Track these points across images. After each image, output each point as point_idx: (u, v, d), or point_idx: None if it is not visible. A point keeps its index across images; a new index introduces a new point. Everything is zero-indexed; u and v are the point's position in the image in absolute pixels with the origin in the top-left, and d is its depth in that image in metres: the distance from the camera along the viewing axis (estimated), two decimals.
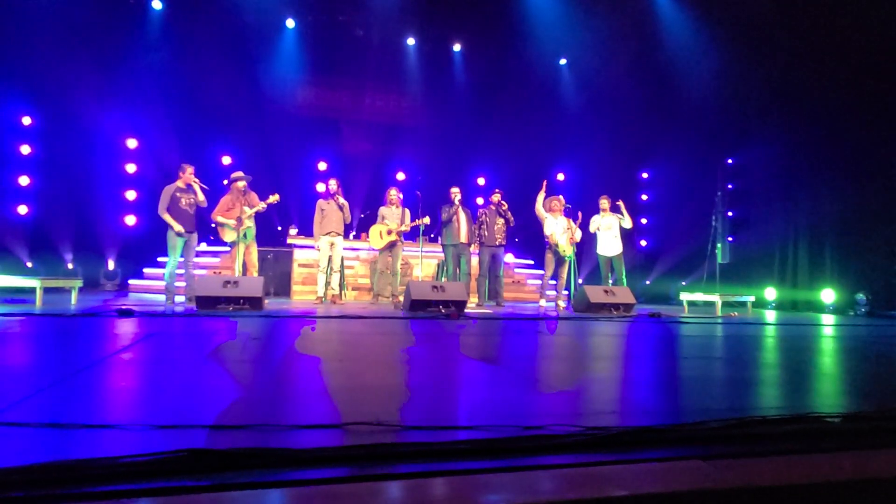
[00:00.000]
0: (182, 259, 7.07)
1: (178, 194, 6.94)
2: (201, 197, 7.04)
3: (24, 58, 9.44)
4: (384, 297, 8.55)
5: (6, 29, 9.24)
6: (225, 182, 7.58)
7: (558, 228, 8.12)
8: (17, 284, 6.14)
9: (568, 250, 8.14)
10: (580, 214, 8.23)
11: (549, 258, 8.23)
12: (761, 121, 10.51)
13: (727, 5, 9.58)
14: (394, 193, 8.25)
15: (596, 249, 8.68)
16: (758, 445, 1.50)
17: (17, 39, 9.30)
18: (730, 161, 11.68)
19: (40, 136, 10.24)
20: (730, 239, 11.53)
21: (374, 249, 8.41)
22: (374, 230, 8.13)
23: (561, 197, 8.40)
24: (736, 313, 8.09)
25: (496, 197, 8.39)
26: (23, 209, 10.07)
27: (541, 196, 8.31)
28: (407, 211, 8.20)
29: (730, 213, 11.60)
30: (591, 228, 8.57)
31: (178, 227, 6.82)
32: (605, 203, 8.56)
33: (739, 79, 10.46)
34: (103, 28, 9.85)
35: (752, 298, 8.72)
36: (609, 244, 8.46)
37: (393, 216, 8.11)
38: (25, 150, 10.14)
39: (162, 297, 7.48)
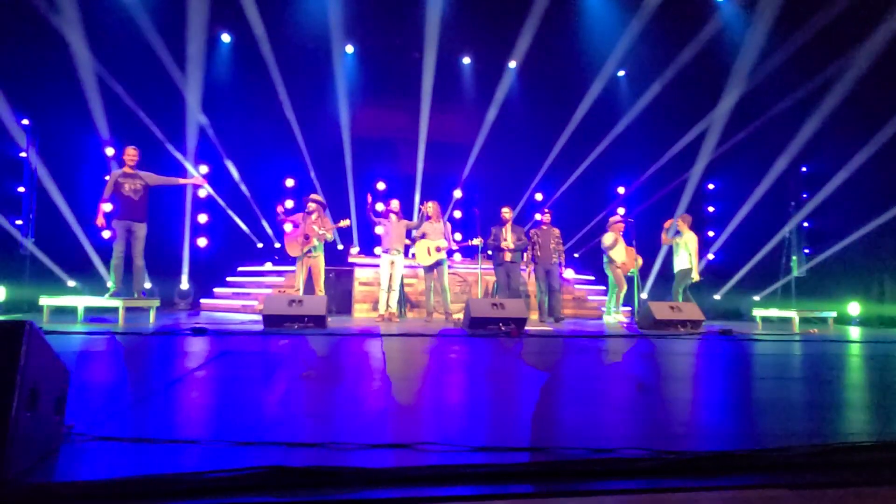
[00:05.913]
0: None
1: (120, 180, 6.69)
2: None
3: (107, 88, 10.10)
4: (438, 314, 8.39)
5: (92, 67, 9.96)
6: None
7: (623, 248, 8.26)
8: (102, 304, 6.56)
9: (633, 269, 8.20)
10: (634, 242, 8.42)
11: (619, 275, 8.19)
12: (838, 124, 9.94)
13: (799, 4, 9.19)
14: (430, 206, 8.24)
15: (673, 265, 8.57)
16: (847, 474, 1.40)
17: (104, 73, 10.00)
18: (804, 169, 11.11)
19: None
20: (806, 251, 10.92)
21: (420, 266, 8.44)
22: (421, 247, 8.10)
23: (620, 218, 8.52)
24: (815, 330, 7.63)
25: (548, 217, 8.56)
26: (106, 234, 10.77)
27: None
28: (448, 224, 8.21)
29: (805, 224, 11.00)
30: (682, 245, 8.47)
31: (99, 221, 6.74)
32: (682, 223, 8.51)
33: (814, 81, 9.95)
34: (179, 60, 10.45)
35: (833, 314, 8.22)
36: (683, 259, 8.35)
37: (434, 231, 8.09)
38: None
39: (231, 315, 7.82)
